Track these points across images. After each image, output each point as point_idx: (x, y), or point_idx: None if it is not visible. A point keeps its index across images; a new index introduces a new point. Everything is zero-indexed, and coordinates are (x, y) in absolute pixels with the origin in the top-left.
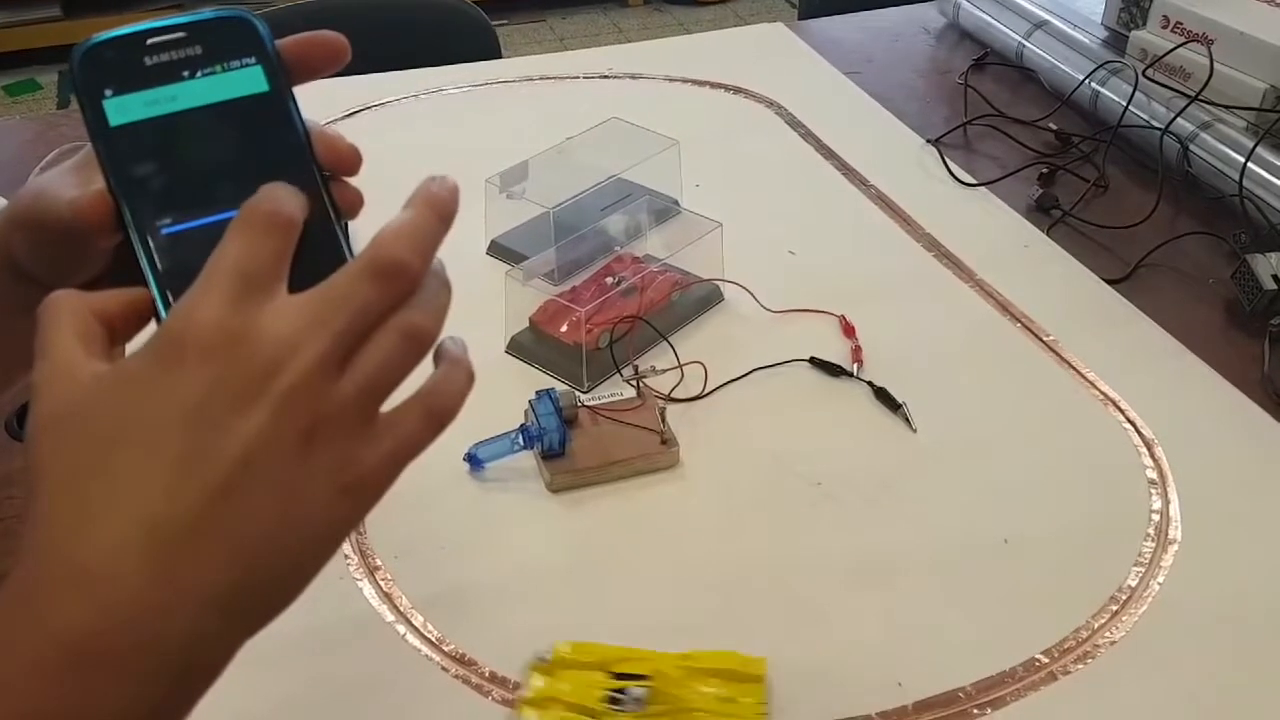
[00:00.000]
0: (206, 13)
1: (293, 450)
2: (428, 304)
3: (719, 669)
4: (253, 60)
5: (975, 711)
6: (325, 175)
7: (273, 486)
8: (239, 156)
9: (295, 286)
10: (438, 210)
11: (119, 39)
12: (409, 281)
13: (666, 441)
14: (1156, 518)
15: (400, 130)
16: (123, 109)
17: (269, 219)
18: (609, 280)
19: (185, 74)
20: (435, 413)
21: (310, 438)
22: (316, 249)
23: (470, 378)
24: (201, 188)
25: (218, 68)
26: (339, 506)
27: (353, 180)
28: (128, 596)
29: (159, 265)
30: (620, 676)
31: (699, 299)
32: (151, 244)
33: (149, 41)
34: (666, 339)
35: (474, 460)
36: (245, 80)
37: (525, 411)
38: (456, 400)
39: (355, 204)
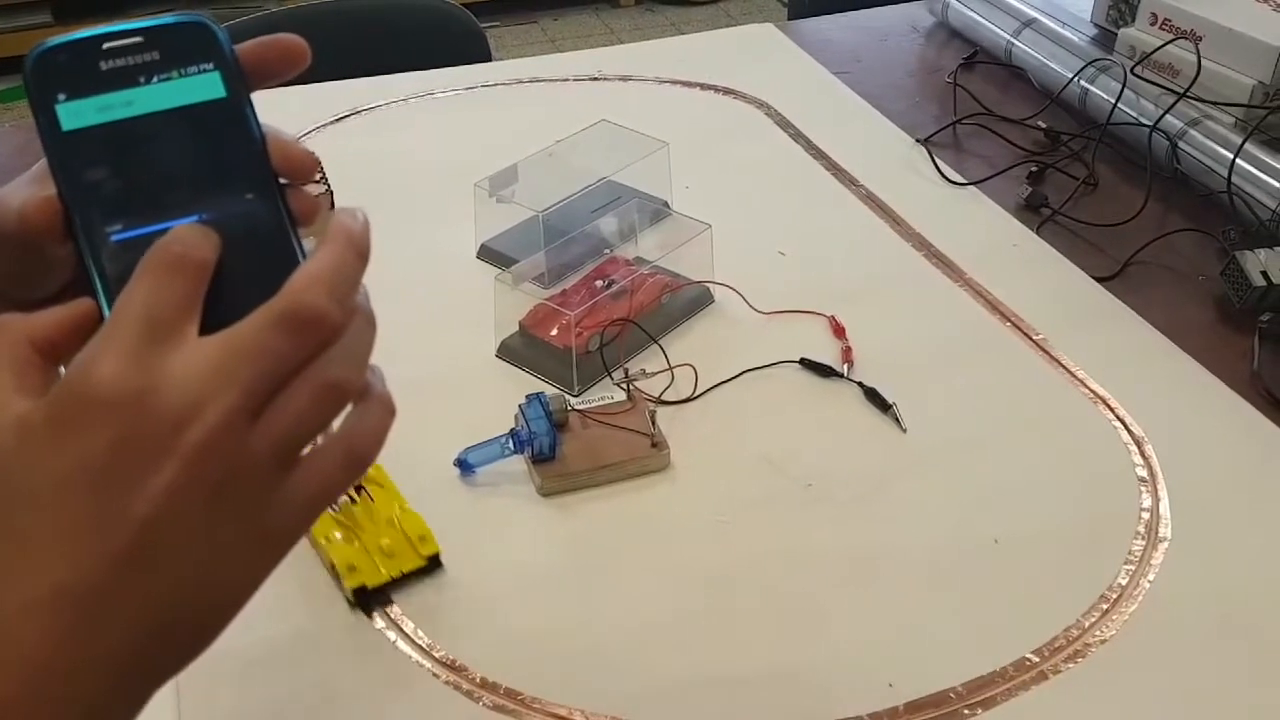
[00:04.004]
0: (165, 18)
1: (203, 507)
2: (348, 353)
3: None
4: (210, 66)
5: (966, 712)
6: (282, 182)
7: (183, 545)
8: (194, 163)
9: (252, 300)
10: (356, 246)
11: (74, 43)
12: (327, 331)
13: (657, 444)
14: (1147, 515)
15: (390, 134)
16: (75, 114)
17: (176, 261)
18: (599, 283)
19: (141, 79)
20: (354, 457)
21: (221, 492)
22: (272, 259)
23: (391, 413)
24: (154, 194)
25: (174, 73)
26: (254, 558)
27: (343, 184)
28: (34, 661)
29: (106, 272)
30: None
31: (689, 301)
32: (101, 250)
33: (105, 46)
34: (657, 342)
35: (464, 465)
36: (202, 86)
37: (515, 416)
38: (376, 442)
39: (311, 212)
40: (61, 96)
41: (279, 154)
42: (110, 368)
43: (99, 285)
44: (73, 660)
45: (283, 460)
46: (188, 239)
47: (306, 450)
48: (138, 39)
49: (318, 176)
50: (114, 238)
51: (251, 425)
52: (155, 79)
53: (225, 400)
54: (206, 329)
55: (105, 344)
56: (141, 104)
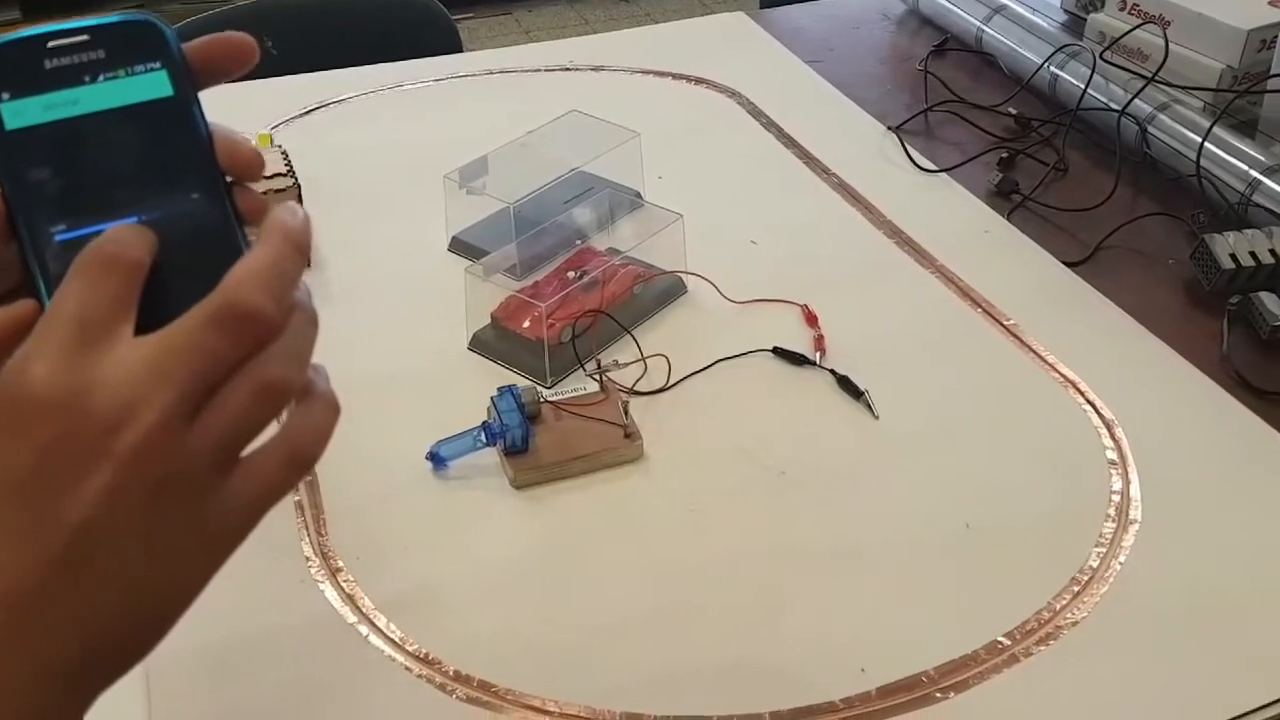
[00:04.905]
0: (111, 16)
1: (140, 510)
2: (287, 351)
3: None
4: (157, 64)
5: (939, 695)
6: (229, 181)
7: (120, 549)
8: (140, 162)
9: (197, 299)
10: (294, 242)
11: (18, 41)
12: (264, 328)
13: (630, 435)
14: (1117, 498)
15: (360, 127)
16: (20, 112)
17: (109, 261)
18: (571, 274)
19: (87, 78)
20: (297, 457)
21: (158, 496)
22: (217, 258)
23: (335, 411)
24: (100, 193)
25: (121, 72)
26: (195, 562)
27: (311, 177)
28: None
29: (50, 272)
30: None
31: (661, 291)
32: (45, 250)
33: (50, 45)
34: (630, 332)
35: (436, 459)
36: (149, 85)
37: (487, 408)
38: (319, 440)
39: (258, 210)
40: (5, 95)
41: (226, 152)
42: (42, 369)
43: (42, 286)
44: (11, 666)
45: (222, 461)
46: (121, 238)
47: (248, 451)
48: (83, 37)
49: (285, 170)
50: (58, 238)
51: (188, 426)
52: (101, 78)
53: (160, 401)
54: (151, 329)
55: (38, 345)
56: (87, 103)
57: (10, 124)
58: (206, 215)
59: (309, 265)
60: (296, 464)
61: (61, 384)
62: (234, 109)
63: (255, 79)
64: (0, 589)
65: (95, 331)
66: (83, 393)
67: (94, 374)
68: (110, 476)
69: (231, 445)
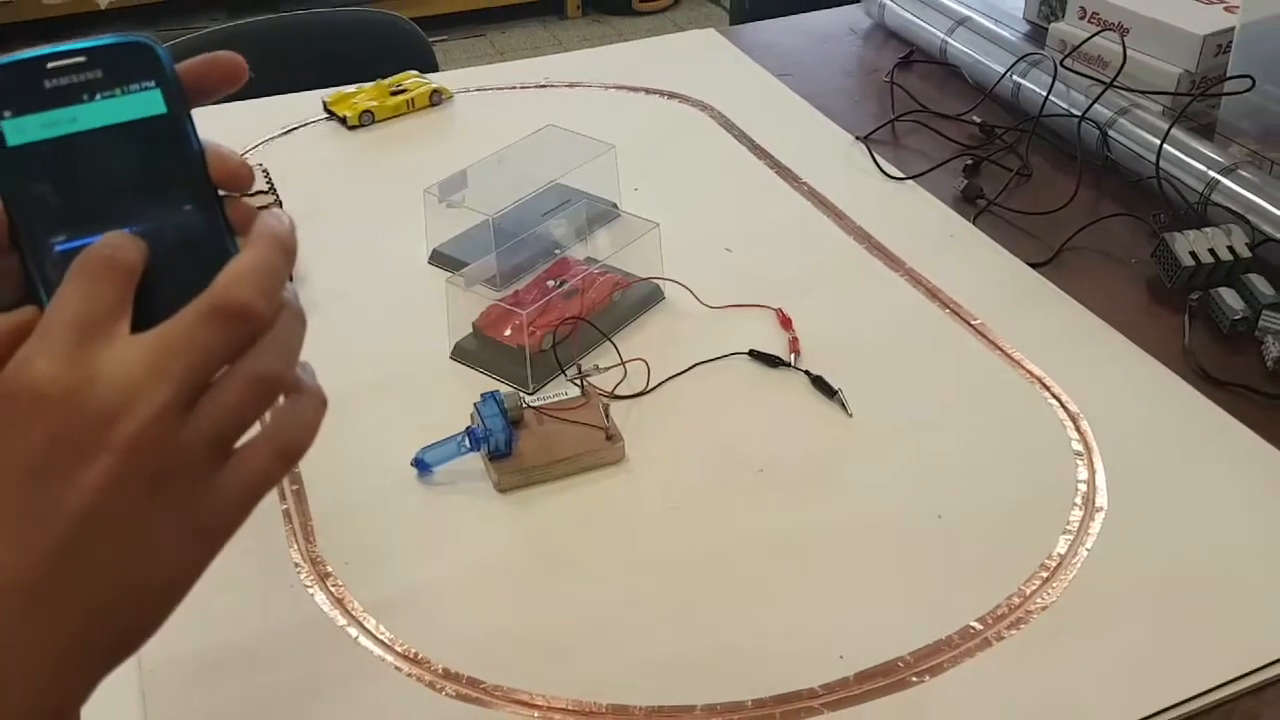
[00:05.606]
0: (107, 38)
1: (137, 500)
2: (277, 345)
3: None
4: (152, 84)
5: (914, 679)
6: (220, 194)
7: (118, 539)
8: (135, 176)
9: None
10: (281, 244)
11: (19, 63)
12: (255, 324)
13: (611, 437)
14: (1083, 487)
15: (338, 145)
16: (21, 130)
17: (104, 264)
18: (551, 283)
19: (84, 97)
20: (285, 450)
21: (155, 486)
22: (209, 266)
23: (323, 405)
24: (97, 206)
25: (117, 91)
26: (189, 552)
27: (293, 195)
28: None
29: (50, 281)
30: None
31: (640, 298)
32: (45, 261)
33: (49, 65)
34: (609, 338)
35: (421, 465)
36: (144, 103)
37: (471, 414)
38: (307, 434)
39: (248, 220)
40: (7, 113)
41: (218, 166)
42: (44, 365)
43: (43, 294)
44: (17, 655)
45: (216, 453)
46: (115, 242)
47: (240, 443)
48: (81, 58)
49: (266, 187)
50: (58, 248)
51: (184, 419)
52: (98, 96)
53: (157, 394)
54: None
55: (38, 344)
56: (85, 120)
57: (11, 140)
58: (198, 225)
59: (291, 279)
60: (286, 455)
61: (62, 378)
62: (215, 130)
63: (235, 100)
64: (4, 579)
65: (94, 329)
66: (83, 387)
67: (93, 369)
68: (108, 467)
69: (225, 437)
